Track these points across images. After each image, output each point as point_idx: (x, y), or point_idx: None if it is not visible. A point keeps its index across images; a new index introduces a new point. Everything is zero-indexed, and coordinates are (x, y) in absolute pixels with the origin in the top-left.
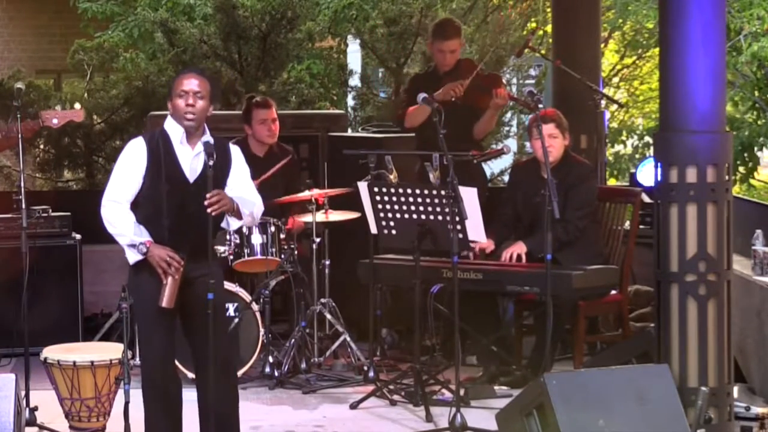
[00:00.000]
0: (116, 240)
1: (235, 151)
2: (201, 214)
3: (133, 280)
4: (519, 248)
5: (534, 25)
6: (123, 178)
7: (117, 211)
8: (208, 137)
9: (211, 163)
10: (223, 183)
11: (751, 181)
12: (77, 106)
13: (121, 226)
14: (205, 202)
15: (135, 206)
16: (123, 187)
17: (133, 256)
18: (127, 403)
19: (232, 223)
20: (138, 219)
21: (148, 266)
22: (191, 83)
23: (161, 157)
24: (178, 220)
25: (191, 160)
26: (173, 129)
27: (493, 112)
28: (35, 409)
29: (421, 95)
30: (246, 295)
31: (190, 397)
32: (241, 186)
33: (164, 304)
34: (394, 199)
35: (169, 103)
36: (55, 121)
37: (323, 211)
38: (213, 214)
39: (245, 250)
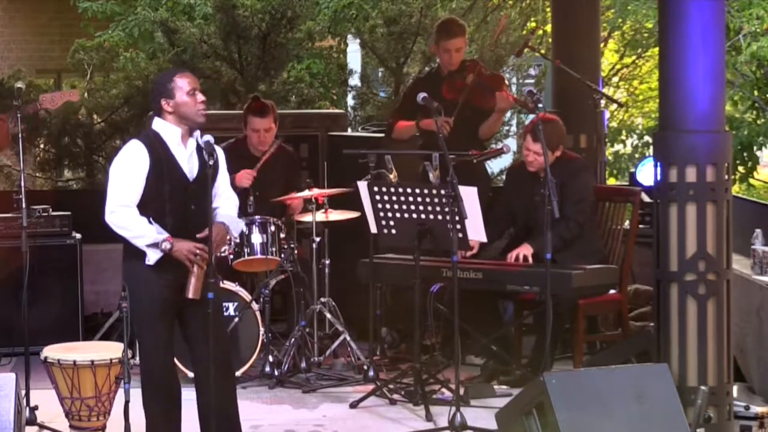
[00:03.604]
0: (132, 242)
1: (220, 152)
2: (201, 212)
3: (136, 276)
4: (525, 250)
5: (533, 24)
6: (128, 181)
7: (130, 215)
8: (206, 136)
9: (211, 162)
10: (215, 181)
11: (751, 180)
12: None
13: (139, 229)
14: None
15: (138, 208)
16: (130, 190)
17: (154, 255)
18: (127, 403)
19: None
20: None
21: (160, 263)
22: (195, 82)
23: (162, 158)
24: (181, 220)
25: (188, 159)
26: (166, 129)
27: (499, 115)
28: (35, 408)
29: (421, 95)
30: (246, 295)
31: (190, 396)
32: (225, 186)
33: (191, 294)
34: (394, 198)
35: (164, 102)
36: (52, 100)
37: (323, 210)
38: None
39: (245, 250)
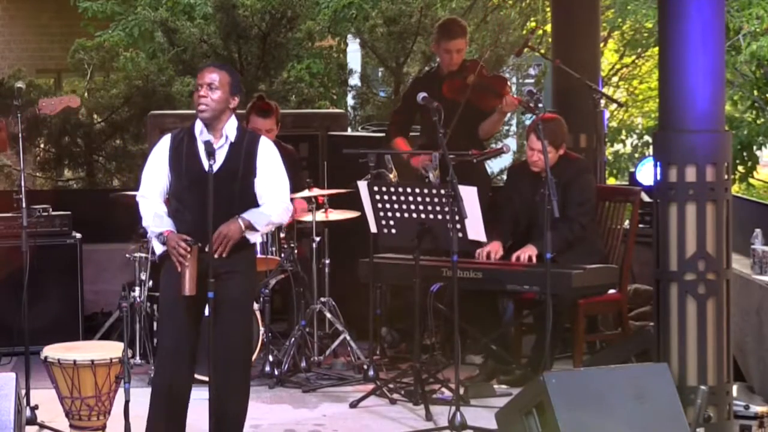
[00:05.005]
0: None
1: (265, 146)
2: (224, 208)
3: (161, 272)
4: (530, 251)
5: (533, 24)
6: (148, 173)
7: (142, 205)
8: (231, 130)
9: (211, 162)
10: (249, 177)
11: (750, 180)
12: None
13: (146, 219)
14: (213, 249)
15: (168, 200)
16: (147, 182)
17: (158, 247)
18: (127, 402)
19: (250, 238)
20: (169, 213)
21: (169, 258)
22: (206, 75)
23: (183, 151)
24: (198, 215)
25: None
26: (198, 123)
27: (501, 116)
28: (36, 407)
29: (421, 95)
30: None
31: (200, 396)
32: (266, 184)
33: (185, 292)
34: (394, 198)
35: None
36: (51, 105)
37: (323, 210)
38: (224, 255)
39: None
